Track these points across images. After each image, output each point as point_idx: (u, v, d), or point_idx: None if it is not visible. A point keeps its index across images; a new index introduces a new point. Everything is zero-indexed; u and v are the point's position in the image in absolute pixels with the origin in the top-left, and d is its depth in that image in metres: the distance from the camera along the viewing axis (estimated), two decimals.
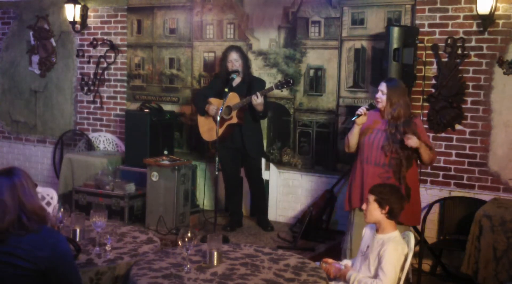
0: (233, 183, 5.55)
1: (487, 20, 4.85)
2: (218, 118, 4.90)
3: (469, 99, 5.03)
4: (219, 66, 5.67)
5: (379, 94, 4.07)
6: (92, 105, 6.98)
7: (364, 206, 3.32)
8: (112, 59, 6.80)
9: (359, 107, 4.13)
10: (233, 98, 5.18)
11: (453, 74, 5.04)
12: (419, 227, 4.84)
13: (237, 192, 5.61)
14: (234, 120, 5.22)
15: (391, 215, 3.24)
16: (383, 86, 4.07)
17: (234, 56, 5.30)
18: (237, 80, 5.29)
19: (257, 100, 5.02)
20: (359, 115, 4.04)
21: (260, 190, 5.59)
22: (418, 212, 4.20)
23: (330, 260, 3.43)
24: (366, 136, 4.09)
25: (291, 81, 5.09)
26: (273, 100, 5.79)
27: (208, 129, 5.36)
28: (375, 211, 3.25)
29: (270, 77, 5.76)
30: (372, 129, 4.09)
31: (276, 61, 5.84)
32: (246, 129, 5.29)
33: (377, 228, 3.30)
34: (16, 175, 2.43)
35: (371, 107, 4.12)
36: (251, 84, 5.28)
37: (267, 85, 5.30)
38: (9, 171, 2.45)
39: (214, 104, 5.24)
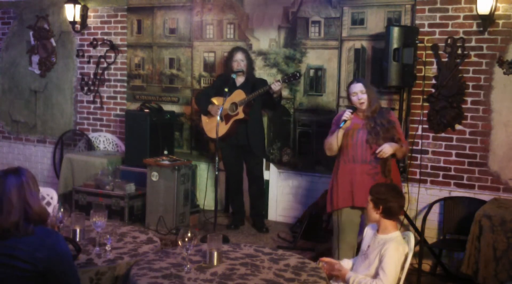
0: (236, 181, 5.57)
1: (487, 20, 4.84)
2: (218, 118, 4.98)
3: (469, 99, 5.03)
4: (224, 66, 5.72)
5: (361, 96, 4.19)
6: (92, 105, 6.98)
7: (367, 206, 3.35)
8: (112, 59, 6.80)
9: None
10: (238, 95, 5.24)
11: (453, 74, 5.04)
12: (418, 227, 4.85)
13: (240, 190, 5.62)
14: (241, 115, 5.25)
15: (387, 214, 3.24)
16: (360, 87, 4.20)
17: (239, 56, 5.36)
18: (240, 80, 5.37)
19: (277, 87, 5.06)
20: (345, 121, 4.14)
21: (260, 190, 5.58)
22: None
23: (326, 259, 3.43)
24: (349, 137, 4.21)
25: (298, 74, 5.13)
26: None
27: (213, 127, 5.36)
28: (371, 211, 3.30)
29: (270, 77, 5.74)
30: (353, 130, 4.20)
31: (276, 61, 5.84)
32: (251, 126, 5.32)
33: (378, 228, 3.31)
34: (23, 175, 2.45)
35: (354, 110, 4.23)
36: (255, 84, 5.33)
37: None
38: (16, 170, 2.47)
39: (217, 105, 5.28)
